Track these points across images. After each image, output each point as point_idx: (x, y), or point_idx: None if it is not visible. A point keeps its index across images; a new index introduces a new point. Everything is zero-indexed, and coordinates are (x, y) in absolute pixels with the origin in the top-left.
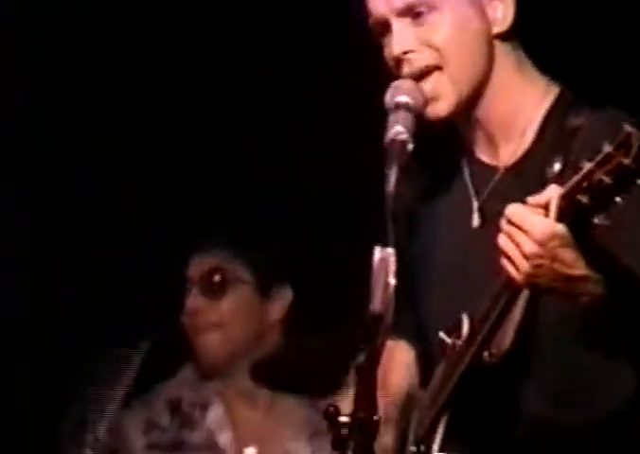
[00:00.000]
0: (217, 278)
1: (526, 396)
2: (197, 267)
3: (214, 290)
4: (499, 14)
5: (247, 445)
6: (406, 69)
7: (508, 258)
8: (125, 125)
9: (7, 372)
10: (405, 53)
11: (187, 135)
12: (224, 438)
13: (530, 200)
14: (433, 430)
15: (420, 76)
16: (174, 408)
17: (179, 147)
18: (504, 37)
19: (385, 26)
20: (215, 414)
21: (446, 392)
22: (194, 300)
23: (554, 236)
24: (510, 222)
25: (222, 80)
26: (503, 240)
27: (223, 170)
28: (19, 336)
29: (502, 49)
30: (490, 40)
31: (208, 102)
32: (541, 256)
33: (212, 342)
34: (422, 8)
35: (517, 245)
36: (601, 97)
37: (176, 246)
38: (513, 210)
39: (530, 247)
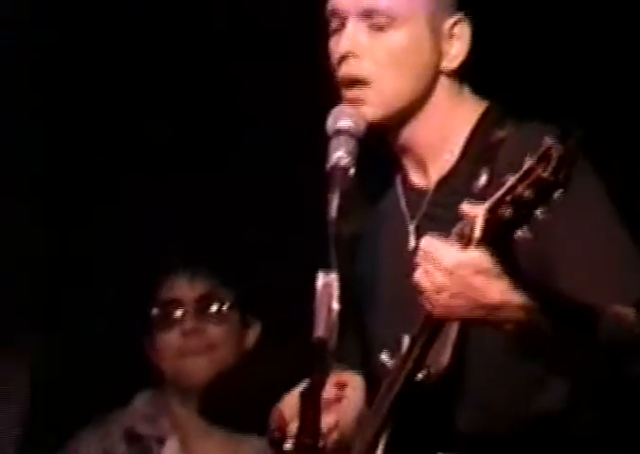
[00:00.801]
0: (212, 303)
1: (461, 412)
2: (188, 289)
3: (209, 314)
4: (453, 51)
5: None
6: (343, 69)
7: (424, 293)
8: (125, 124)
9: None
10: (348, 54)
11: (186, 133)
12: None
13: (464, 207)
14: (372, 450)
15: (352, 82)
16: (131, 439)
17: (180, 145)
18: (449, 73)
19: (342, 22)
20: (171, 449)
21: (383, 412)
22: (190, 322)
23: (462, 265)
24: (424, 255)
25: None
26: (418, 275)
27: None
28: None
29: (444, 82)
30: (435, 72)
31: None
32: (452, 286)
33: (199, 366)
34: (382, 21)
35: (429, 277)
36: (529, 111)
37: (175, 247)
38: (425, 243)
39: (440, 277)
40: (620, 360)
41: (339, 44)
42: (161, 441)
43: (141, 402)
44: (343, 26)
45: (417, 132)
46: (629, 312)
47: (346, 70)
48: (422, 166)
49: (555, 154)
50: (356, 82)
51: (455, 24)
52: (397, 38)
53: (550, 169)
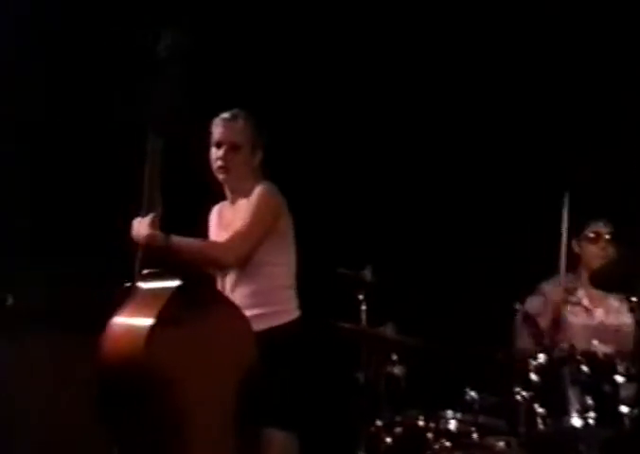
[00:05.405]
0: (607, 234)
1: None
2: (603, 227)
3: (609, 240)
4: None
5: (595, 306)
6: None
7: None
8: None
9: None
10: None
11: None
12: (587, 303)
13: None
14: None
15: None
16: (566, 290)
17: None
18: None
19: None
20: (581, 292)
21: None
22: (602, 243)
23: None
24: None
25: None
26: None
27: None
28: None
29: None
30: None
31: None
32: None
33: (600, 260)
34: None
35: None
36: None
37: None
38: None
39: None
40: None
41: None
42: (575, 288)
43: (569, 276)
44: None
45: None
46: None
47: None
48: None
49: None
50: None
51: None
52: None
53: None
